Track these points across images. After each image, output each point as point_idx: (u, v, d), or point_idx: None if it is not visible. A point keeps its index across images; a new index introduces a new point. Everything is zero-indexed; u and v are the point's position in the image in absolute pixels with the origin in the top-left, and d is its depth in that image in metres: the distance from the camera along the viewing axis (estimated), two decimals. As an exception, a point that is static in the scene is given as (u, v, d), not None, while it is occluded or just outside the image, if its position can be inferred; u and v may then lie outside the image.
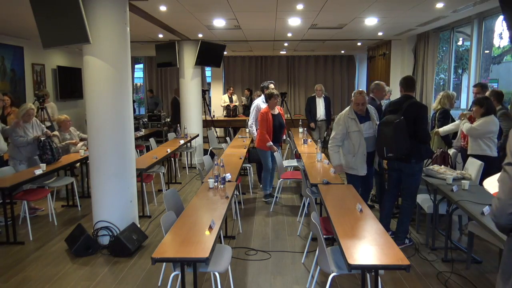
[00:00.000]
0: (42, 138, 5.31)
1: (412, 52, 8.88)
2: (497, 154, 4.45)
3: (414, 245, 4.33)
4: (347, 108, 4.58)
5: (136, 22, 6.14)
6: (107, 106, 4.19)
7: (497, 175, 1.86)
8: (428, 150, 4.23)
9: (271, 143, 5.85)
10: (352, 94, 4.59)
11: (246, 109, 11.90)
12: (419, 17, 6.52)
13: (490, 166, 4.23)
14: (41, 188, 5.25)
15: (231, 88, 12.20)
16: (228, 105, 11.81)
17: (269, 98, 5.97)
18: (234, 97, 11.99)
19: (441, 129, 5.20)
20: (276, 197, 6.04)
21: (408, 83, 4.19)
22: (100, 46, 4.07)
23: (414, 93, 4.29)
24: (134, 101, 11.44)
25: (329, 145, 4.57)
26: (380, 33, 8.27)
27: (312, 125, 8.43)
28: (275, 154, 5.98)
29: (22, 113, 5.26)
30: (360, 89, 4.64)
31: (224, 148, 7.17)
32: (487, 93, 4.98)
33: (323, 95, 8.45)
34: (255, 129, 6.31)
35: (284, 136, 6.45)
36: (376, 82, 5.58)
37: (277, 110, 6.02)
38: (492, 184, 1.87)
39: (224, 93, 13.46)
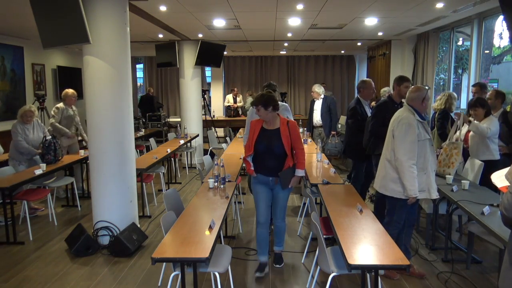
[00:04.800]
0: (48, 137, 5.32)
1: (412, 52, 8.88)
2: (500, 156, 4.44)
3: (415, 245, 4.33)
4: (404, 110, 3.50)
5: (136, 22, 6.14)
6: (107, 106, 4.19)
7: (505, 170, 1.85)
8: None
9: (249, 160, 3.68)
10: (416, 89, 3.48)
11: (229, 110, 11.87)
12: (419, 17, 6.52)
13: (494, 169, 4.22)
14: (41, 188, 5.25)
15: (235, 89, 12.16)
16: (229, 105, 11.81)
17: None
18: (239, 98, 11.97)
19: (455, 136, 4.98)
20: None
21: None
22: (100, 46, 4.07)
23: None
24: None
25: (404, 168, 3.30)
26: (380, 33, 8.27)
27: (308, 134, 7.19)
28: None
29: (20, 114, 5.25)
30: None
31: (224, 148, 7.17)
32: (488, 94, 4.95)
33: (321, 96, 7.13)
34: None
35: (300, 172, 3.68)
36: (363, 79, 5.24)
37: (277, 123, 3.64)
38: (500, 178, 1.87)
39: (224, 93, 13.49)
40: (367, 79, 5.32)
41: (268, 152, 3.62)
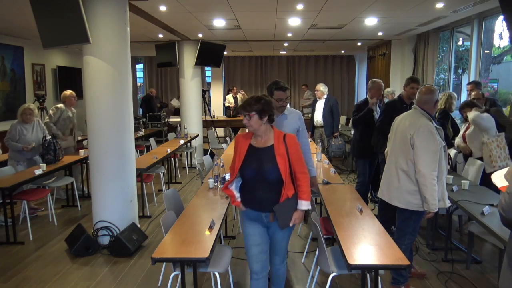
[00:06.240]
0: (48, 138, 5.32)
1: (412, 52, 8.88)
2: None
3: (415, 244, 4.33)
4: (417, 115, 3.18)
5: (136, 22, 6.14)
6: (107, 106, 4.19)
7: (505, 170, 1.85)
8: None
9: (232, 189, 2.73)
10: (428, 91, 3.21)
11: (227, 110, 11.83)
12: (419, 17, 6.52)
13: None
14: (41, 188, 5.25)
15: (235, 88, 12.13)
16: (228, 106, 11.80)
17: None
18: (239, 97, 11.95)
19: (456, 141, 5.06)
20: None
21: None
22: (100, 46, 4.07)
23: None
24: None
25: (427, 181, 3.01)
26: (380, 33, 8.27)
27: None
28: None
29: (19, 113, 5.25)
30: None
31: (224, 148, 7.17)
32: (473, 94, 5.06)
33: (325, 96, 7.05)
34: None
35: (305, 204, 2.66)
36: (372, 79, 5.31)
37: (270, 139, 2.68)
38: (500, 177, 1.87)
39: (225, 93, 13.48)
40: (376, 79, 5.40)
41: (258, 178, 2.64)
